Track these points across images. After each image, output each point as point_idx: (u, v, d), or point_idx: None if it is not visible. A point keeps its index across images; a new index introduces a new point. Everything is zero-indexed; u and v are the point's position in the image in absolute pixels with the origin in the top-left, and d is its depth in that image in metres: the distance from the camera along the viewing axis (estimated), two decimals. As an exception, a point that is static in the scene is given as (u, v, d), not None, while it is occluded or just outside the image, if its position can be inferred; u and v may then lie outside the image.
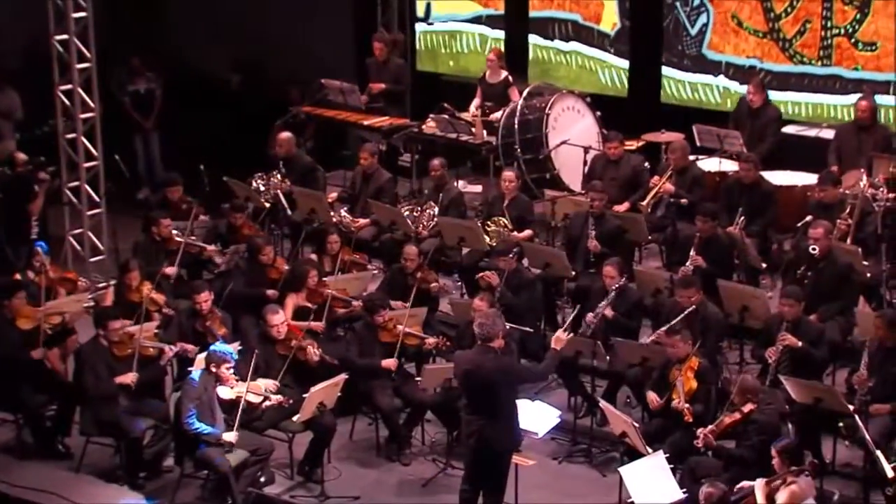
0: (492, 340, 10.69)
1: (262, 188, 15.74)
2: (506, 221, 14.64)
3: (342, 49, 19.66)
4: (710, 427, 11.14)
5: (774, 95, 16.65)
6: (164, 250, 14.43)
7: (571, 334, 11.45)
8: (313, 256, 14.54)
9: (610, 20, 18.41)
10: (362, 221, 15.36)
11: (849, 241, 13.55)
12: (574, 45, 18.47)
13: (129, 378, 12.08)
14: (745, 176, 14.44)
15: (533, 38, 18.76)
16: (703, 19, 17.76)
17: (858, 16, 16.75)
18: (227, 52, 20.88)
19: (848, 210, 13.72)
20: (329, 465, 12.31)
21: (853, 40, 16.84)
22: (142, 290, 13.38)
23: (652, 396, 11.84)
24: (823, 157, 15.46)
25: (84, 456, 12.36)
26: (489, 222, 14.77)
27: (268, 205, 15.60)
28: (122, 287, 13.51)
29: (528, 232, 14.69)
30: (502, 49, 18.01)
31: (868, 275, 13.32)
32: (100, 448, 12.43)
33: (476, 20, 19.50)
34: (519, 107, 16.15)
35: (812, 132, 16.42)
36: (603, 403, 11.69)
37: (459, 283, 14.90)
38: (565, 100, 16.42)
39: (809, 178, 15.02)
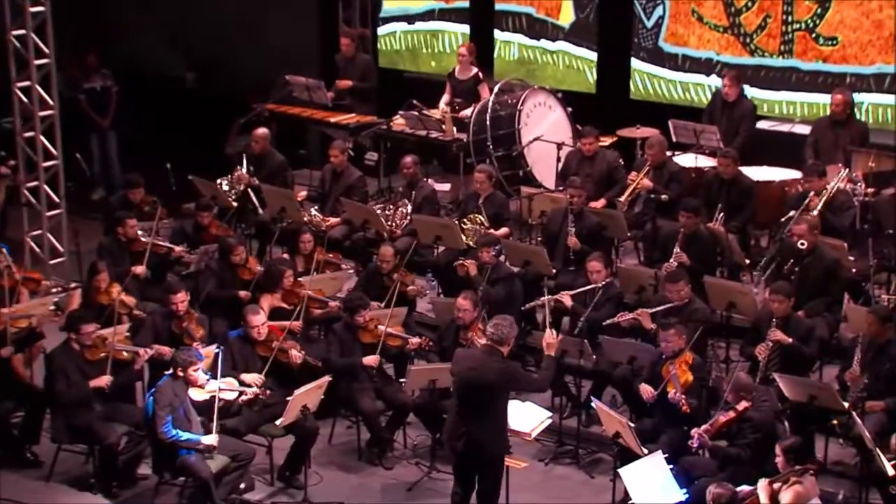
0: (502, 344, 10.43)
1: (226, 186, 15.35)
2: (482, 219, 14.35)
3: (303, 45, 19.34)
4: (704, 427, 10.90)
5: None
6: (129, 251, 14.05)
7: (560, 336, 11.19)
8: (285, 256, 14.19)
9: (567, 14, 18.25)
10: (333, 220, 15.02)
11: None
12: (561, 45, 18.20)
13: (104, 381, 11.69)
14: (724, 171, 14.24)
15: (518, 38, 18.50)
16: (658, 11, 17.61)
17: (819, 10, 16.64)
18: (182, 50, 20.47)
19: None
20: (309, 471, 11.93)
21: (814, 35, 16.72)
22: (111, 293, 13.02)
23: (646, 388, 11.56)
24: (797, 152, 15.28)
25: (55, 464, 11.96)
26: (465, 220, 14.48)
27: (235, 204, 15.22)
28: (91, 289, 13.09)
29: (504, 230, 14.42)
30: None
31: (854, 270, 13.13)
32: (71, 455, 12.04)
33: (429, 14, 19.28)
34: (490, 103, 15.86)
35: (785, 127, 16.29)
36: (596, 403, 11.42)
37: (434, 283, 14.57)
38: (537, 95, 16.15)
39: (786, 174, 14.86)
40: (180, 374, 11.22)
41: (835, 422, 11.43)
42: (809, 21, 16.74)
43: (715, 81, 16.91)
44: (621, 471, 10.63)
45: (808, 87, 16.68)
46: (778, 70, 16.89)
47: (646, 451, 10.88)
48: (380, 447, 12.36)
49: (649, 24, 17.66)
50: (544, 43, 18.27)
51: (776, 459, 10.22)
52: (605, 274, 12.77)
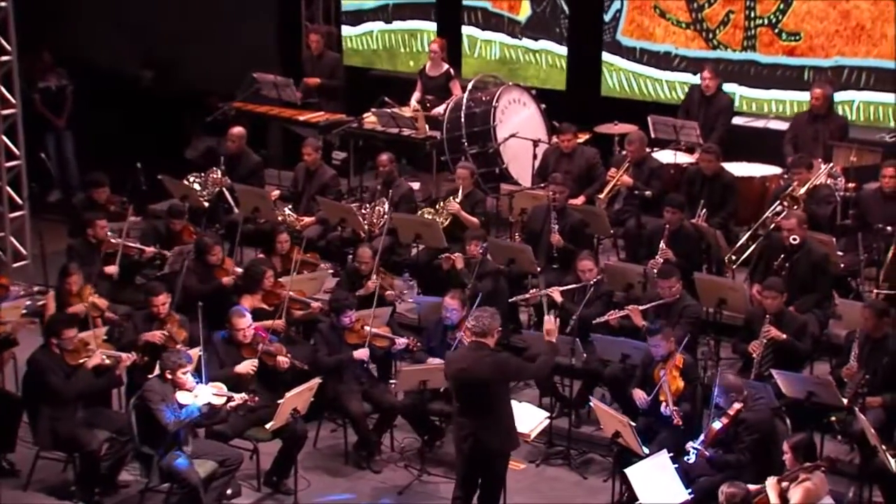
0: (485, 336, 10.19)
1: (198, 186, 15.03)
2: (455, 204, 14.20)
3: (263, 43, 19.01)
4: (699, 439, 10.69)
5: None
6: (99, 253, 13.68)
7: (558, 319, 10.96)
8: (261, 256, 13.89)
9: (525, 9, 18.14)
10: (307, 220, 14.71)
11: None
12: (543, 44, 17.97)
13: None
14: (706, 167, 14.09)
15: (499, 37, 18.25)
16: (616, 5, 17.49)
17: (782, 6, 16.59)
18: (138, 48, 20.06)
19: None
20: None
21: (776, 30, 16.66)
22: (83, 295, 12.66)
23: (639, 394, 11.39)
24: (772, 148, 15.21)
25: (33, 472, 11.60)
26: (436, 208, 14.34)
27: (206, 204, 14.89)
28: (63, 292, 12.72)
29: (475, 220, 14.18)
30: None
31: (842, 265, 13.03)
32: (48, 463, 11.69)
33: (382, 9, 19.06)
34: (465, 100, 15.60)
35: (760, 123, 16.20)
36: (595, 402, 11.20)
37: (412, 282, 14.31)
38: (511, 92, 15.90)
39: (767, 170, 14.75)
40: (168, 376, 10.92)
41: (833, 418, 11.30)
42: (772, 16, 16.68)
43: (684, 78, 16.81)
44: (628, 471, 10.41)
45: (768, 81, 16.64)
46: (736, 63, 16.82)
47: (646, 450, 10.67)
48: (367, 450, 12.10)
49: (607, 17, 17.55)
50: (527, 42, 18.07)
51: (784, 457, 10.05)
52: (596, 272, 12.57)
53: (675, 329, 11.69)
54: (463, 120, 15.49)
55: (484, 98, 15.70)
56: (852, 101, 16.00)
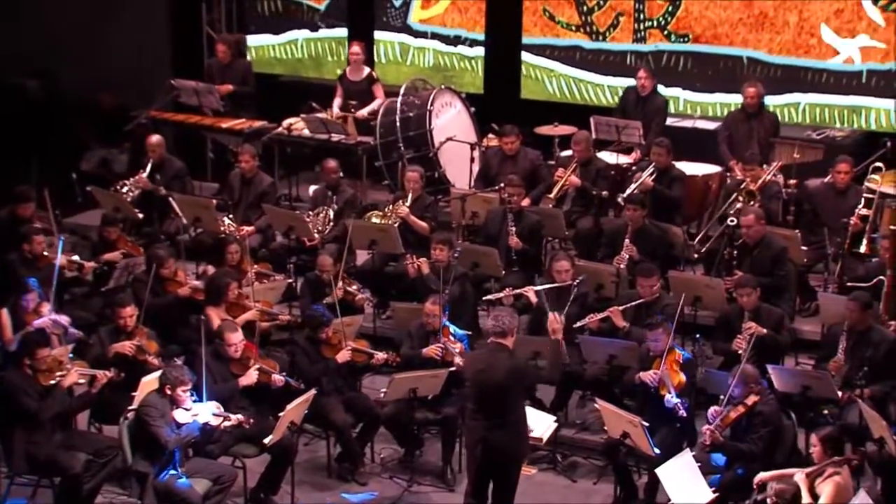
0: (505, 336, 10.04)
1: (130, 194, 14.54)
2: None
3: (158, 51, 18.43)
4: (715, 423, 10.63)
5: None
6: (37, 269, 13.03)
7: (563, 319, 10.77)
8: (210, 268, 13.45)
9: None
10: (248, 229, 14.24)
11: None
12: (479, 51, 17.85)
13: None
14: (657, 160, 14.08)
15: (433, 44, 18.01)
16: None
17: (670, 7, 16.76)
18: (22, 57, 19.24)
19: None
20: (281, 491, 11.26)
21: (665, 32, 16.83)
22: (41, 312, 12.06)
23: (647, 375, 11.16)
24: (701, 146, 15.32)
25: (7, 497, 11.02)
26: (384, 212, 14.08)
27: (141, 215, 14.36)
28: (20, 311, 12.10)
29: (424, 224, 13.94)
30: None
31: (805, 260, 13.14)
32: (17, 487, 11.07)
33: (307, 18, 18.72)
34: (398, 104, 15.34)
35: (688, 123, 16.31)
36: (600, 402, 11.03)
37: (365, 290, 13.96)
38: (443, 96, 15.72)
39: (708, 168, 14.83)
40: (168, 391, 10.46)
41: (826, 412, 11.34)
42: (661, 18, 16.83)
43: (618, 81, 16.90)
44: (658, 471, 10.25)
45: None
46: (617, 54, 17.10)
47: (657, 450, 10.55)
48: (351, 462, 11.75)
49: (398, 2, 17.76)
50: (462, 49, 17.88)
51: (812, 450, 10.04)
52: (573, 273, 12.42)
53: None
54: (398, 124, 15.21)
55: (417, 101, 15.47)
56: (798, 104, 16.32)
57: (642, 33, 16.95)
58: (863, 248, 13.09)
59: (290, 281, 13.35)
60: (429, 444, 12.11)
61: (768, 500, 9.45)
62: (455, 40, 17.81)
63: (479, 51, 17.68)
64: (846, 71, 16.02)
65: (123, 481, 11.12)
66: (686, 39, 16.78)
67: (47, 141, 17.67)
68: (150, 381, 10.88)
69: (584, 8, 17.17)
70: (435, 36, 17.87)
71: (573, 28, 17.29)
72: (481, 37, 17.69)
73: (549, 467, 11.95)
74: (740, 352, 11.69)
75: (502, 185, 13.84)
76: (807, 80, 16.21)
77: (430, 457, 11.98)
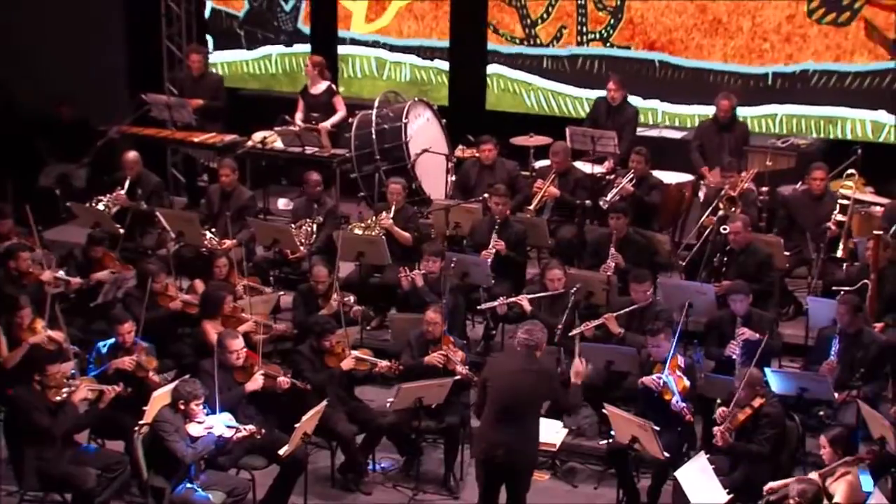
0: (538, 349, 10.19)
1: (102, 207, 14.49)
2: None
3: (114, 64, 18.32)
4: (724, 425, 10.84)
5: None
6: (21, 286, 12.96)
7: (590, 366, 10.94)
8: (198, 282, 13.44)
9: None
10: (229, 243, 14.22)
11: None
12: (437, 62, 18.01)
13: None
14: (635, 168, 14.30)
15: (409, 58, 18.12)
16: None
17: (612, 20, 17.03)
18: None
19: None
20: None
21: (608, 44, 17.11)
22: (36, 329, 12.04)
23: (649, 379, 11.35)
24: (670, 155, 15.56)
25: (15, 516, 10.94)
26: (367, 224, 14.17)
27: (122, 231, 14.31)
28: (13, 327, 12.03)
29: (406, 235, 14.05)
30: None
31: (787, 265, 13.41)
32: (23, 504, 11.05)
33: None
34: (373, 116, 15.42)
35: (654, 132, 16.55)
36: (609, 408, 11.17)
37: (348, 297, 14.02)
38: (417, 108, 15.83)
39: (681, 177, 15.06)
40: (182, 406, 10.47)
41: (820, 413, 11.58)
42: (603, 31, 17.09)
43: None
44: (677, 474, 10.40)
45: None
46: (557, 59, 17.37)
47: (666, 454, 10.73)
48: (355, 472, 11.81)
49: (287, 7, 18.11)
50: (437, 63, 17.98)
51: (822, 451, 10.25)
52: (565, 281, 12.58)
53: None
54: (374, 136, 15.30)
55: (391, 114, 15.56)
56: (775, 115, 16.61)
57: (585, 46, 17.24)
58: (839, 253, 13.40)
59: (282, 293, 13.37)
60: (427, 452, 12.18)
61: (790, 502, 9.60)
62: (417, 50, 17.99)
63: (444, 64, 17.89)
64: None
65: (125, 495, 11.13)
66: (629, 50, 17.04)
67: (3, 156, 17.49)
68: (160, 396, 10.88)
69: (528, 21, 17.43)
70: (384, 45, 18.05)
71: (517, 41, 17.52)
72: (443, 44, 17.87)
73: (548, 473, 12.07)
74: (734, 357, 11.92)
75: (487, 194, 13.96)
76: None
77: (429, 465, 12.05)
